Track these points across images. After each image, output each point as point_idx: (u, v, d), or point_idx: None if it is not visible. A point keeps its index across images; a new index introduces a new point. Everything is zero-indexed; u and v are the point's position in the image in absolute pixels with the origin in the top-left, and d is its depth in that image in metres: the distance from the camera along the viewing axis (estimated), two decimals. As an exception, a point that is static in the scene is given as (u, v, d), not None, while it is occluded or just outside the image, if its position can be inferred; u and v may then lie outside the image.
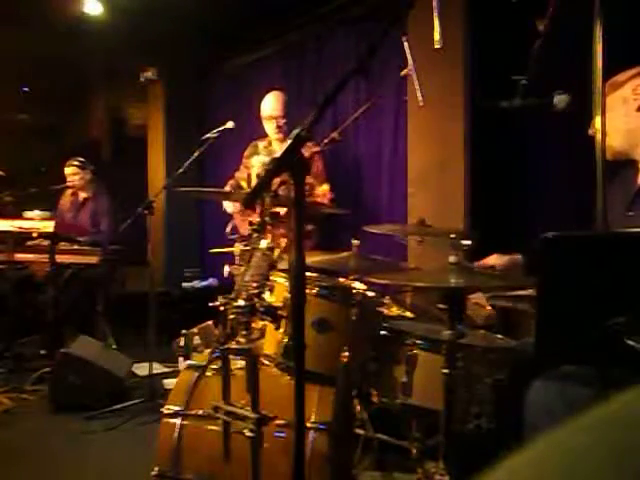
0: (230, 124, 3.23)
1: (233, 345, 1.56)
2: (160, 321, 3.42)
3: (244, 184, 3.69)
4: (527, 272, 1.84)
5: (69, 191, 4.63)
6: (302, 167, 1.10)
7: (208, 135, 3.25)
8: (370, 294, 1.92)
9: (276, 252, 2.16)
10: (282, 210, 2.52)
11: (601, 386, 1.12)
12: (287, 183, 1.62)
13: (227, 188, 3.63)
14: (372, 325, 1.83)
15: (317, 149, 2.68)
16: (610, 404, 0.27)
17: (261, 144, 3.66)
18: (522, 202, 3.09)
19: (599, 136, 1.36)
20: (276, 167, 1.11)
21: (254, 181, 3.62)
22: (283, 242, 3.35)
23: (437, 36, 1.79)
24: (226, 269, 2.77)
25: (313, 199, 3.30)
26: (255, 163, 3.61)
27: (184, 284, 5.11)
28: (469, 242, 1.48)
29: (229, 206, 3.48)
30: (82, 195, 4.61)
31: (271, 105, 3.48)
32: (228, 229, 3.62)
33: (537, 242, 1.06)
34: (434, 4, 1.73)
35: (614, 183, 1.66)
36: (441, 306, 1.47)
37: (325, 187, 3.46)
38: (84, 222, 4.53)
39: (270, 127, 3.49)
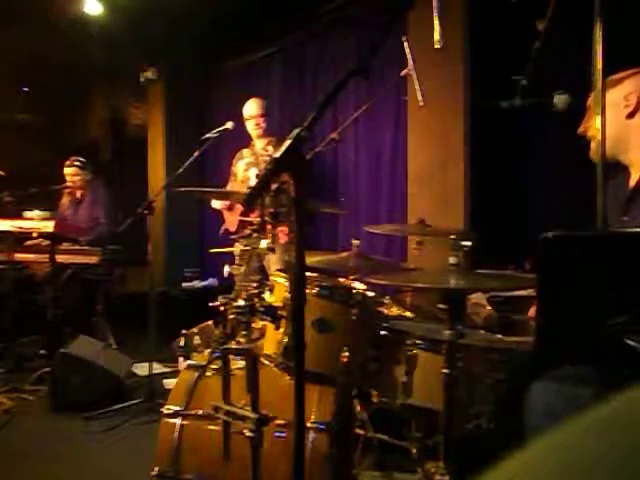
0: (230, 124, 3.25)
1: (233, 345, 1.56)
2: (160, 321, 3.42)
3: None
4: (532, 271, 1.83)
5: (68, 190, 4.63)
6: (302, 167, 1.10)
7: (208, 135, 3.26)
8: (370, 294, 1.92)
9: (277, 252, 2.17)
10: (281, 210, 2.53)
11: (601, 386, 1.12)
12: (287, 183, 1.62)
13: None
14: (372, 325, 1.83)
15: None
16: (610, 404, 0.27)
17: (244, 150, 3.87)
18: (522, 202, 3.09)
19: (599, 136, 1.36)
20: (276, 167, 1.11)
21: (238, 183, 3.79)
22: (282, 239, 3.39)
23: (437, 36, 1.79)
24: (226, 269, 2.77)
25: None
26: (240, 168, 3.83)
27: (184, 284, 5.11)
28: (469, 243, 1.48)
29: (216, 203, 3.74)
30: (79, 192, 4.61)
31: (250, 107, 3.76)
32: (221, 230, 3.73)
33: (537, 242, 1.06)
34: (434, 4, 1.73)
35: (606, 187, 1.66)
36: (441, 306, 1.47)
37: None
38: (83, 217, 4.53)
39: (250, 126, 3.75)
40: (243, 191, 3.54)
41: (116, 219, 4.44)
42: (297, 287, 1.10)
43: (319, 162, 3.79)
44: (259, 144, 3.78)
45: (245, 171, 3.76)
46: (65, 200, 4.69)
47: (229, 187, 3.88)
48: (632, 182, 1.69)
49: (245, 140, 3.93)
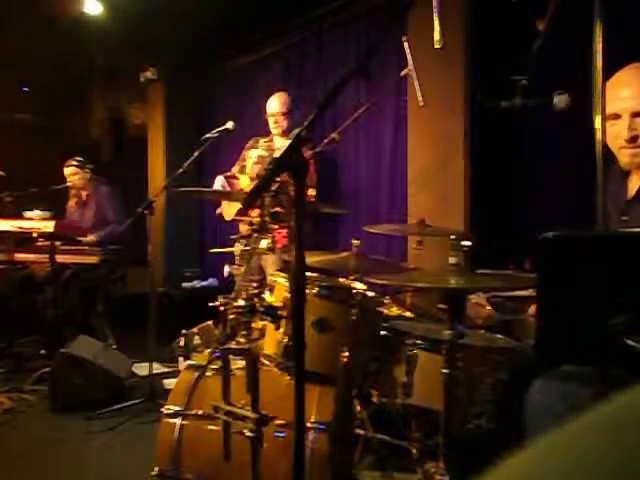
0: (230, 124, 3.25)
1: (233, 345, 1.56)
2: (160, 321, 3.42)
3: (239, 175, 3.78)
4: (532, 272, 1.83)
5: (72, 192, 4.66)
6: (302, 167, 1.10)
7: (208, 135, 3.26)
8: (370, 294, 1.92)
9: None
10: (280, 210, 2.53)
11: (601, 386, 1.12)
12: (287, 183, 1.63)
13: (219, 178, 3.68)
14: (372, 325, 1.83)
15: (310, 153, 2.71)
16: (610, 404, 0.27)
17: (262, 139, 3.81)
18: (522, 202, 3.09)
19: (599, 136, 1.36)
20: (276, 167, 1.11)
21: (248, 170, 3.76)
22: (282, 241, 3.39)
23: (437, 36, 1.78)
24: (226, 269, 2.77)
25: None
26: (252, 155, 3.78)
27: (184, 284, 5.11)
28: (469, 243, 1.48)
29: (218, 183, 3.63)
30: (84, 193, 4.63)
31: (271, 103, 3.70)
32: (218, 211, 3.75)
33: (537, 242, 1.06)
34: (434, 4, 1.73)
35: (607, 188, 1.64)
36: (441, 306, 1.47)
37: (311, 192, 3.58)
38: (89, 219, 4.54)
39: (270, 123, 3.70)
40: (241, 192, 3.54)
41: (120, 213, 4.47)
42: (297, 287, 1.10)
43: (319, 162, 3.78)
44: (278, 142, 3.72)
45: (255, 164, 3.70)
46: (71, 203, 4.72)
47: (234, 169, 3.85)
48: (633, 190, 1.68)
49: (246, 140, 3.93)
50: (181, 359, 3.43)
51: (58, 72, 5.52)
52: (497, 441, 1.56)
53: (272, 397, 1.62)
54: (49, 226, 3.86)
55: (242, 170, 3.82)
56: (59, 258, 3.94)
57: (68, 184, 4.57)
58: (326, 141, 2.56)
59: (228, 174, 3.78)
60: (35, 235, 3.92)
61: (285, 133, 3.66)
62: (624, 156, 1.64)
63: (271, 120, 3.67)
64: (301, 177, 1.10)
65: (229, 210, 3.65)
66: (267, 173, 1.12)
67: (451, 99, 3.17)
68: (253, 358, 1.50)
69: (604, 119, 1.34)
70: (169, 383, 3.28)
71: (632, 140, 1.59)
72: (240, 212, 3.33)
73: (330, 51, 4.19)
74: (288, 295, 1.79)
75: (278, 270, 2.07)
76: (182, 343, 3.45)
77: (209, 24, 4.72)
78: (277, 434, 1.71)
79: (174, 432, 1.83)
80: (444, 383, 1.47)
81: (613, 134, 1.60)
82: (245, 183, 3.73)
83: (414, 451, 1.85)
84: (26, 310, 4.18)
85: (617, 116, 1.59)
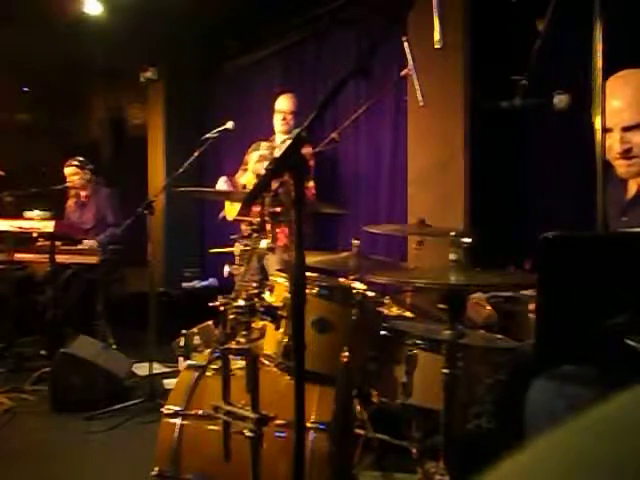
0: (230, 124, 3.25)
1: (233, 345, 1.56)
2: (160, 321, 3.42)
3: (241, 179, 3.79)
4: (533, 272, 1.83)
5: (72, 193, 4.65)
6: (302, 167, 1.10)
7: (208, 135, 3.26)
8: (370, 294, 1.92)
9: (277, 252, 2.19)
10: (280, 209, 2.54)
11: (601, 386, 1.12)
12: (286, 183, 1.63)
13: (223, 178, 3.70)
14: (372, 325, 1.83)
15: (310, 150, 2.72)
16: (610, 404, 0.27)
17: (263, 143, 3.81)
18: (522, 202, 3.08)
19: (599, 136, 1.36)
20: (276, 167, 1.11)
21: (249, 173, 3.76)
22: (283, 240, 3.40)
23: (437, 36, 1.79)
24: (226, 269, 2.78)
25: None
26: (253, 158, 3.78)
27: (184, 284, 5.11)
28: (469, 240, 1.48)
29: (221, 182, 3.66)
30: (83, 194, 4.63)
31: (283, 101, 3.75)
32: (221, 215, 3.79)
33: (537, 242, 1.06)
34: (434, 4, 1.73)
35: (606, 188, 1.64)
36: (441, 306, 1.46)
37: (310, 184, 3.59)
38: (89, 219, 4.55)
39: (277, 119, 3.73)
40: (242, 192, 3.54)
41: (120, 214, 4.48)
42: (297, 287, 1.10)
43: (319, 162, 3.78)
44: (279, 139, 3.74)
45: (257, 162, 3.71)
46: (71, 203, 4.72)
47: (238, 175, 3.86)
48: (632, 191, 1.68)
49: (246, 140, 3.93)
50: (181, 359, 3.43)
51: (58, 72, 5.52)
52: (497, 441, 1.56)
53: (272, 397, 1.62)
54: (49, 226, 3.85)
55: (244, 173, 3.82)
56: (59, 258, 3.94)
57: (68, 184, 4.57)
58: (326, 141, 2.56)
59: (232, 180, 3.79)
60: (35, 235, 3.92)
61: (289, 132, 3.68)
62: (619, 167, 1.66)
63: (279, 117, 3.68)
64: (301, 177, 1.10)
65: (231, 210, 3.66)
66: (267, 173, 1.13)
67: (451, 99, 3.17)
68: (253, 358, 1.50)
69: (604, 120, 1.35)
70: (169, 383, 3.28)
71: (625, 152, 1.62)
72: (242, 211, 3.35)
73: (330, 51, 4.19)
74: (288, 295, 1.79)
75: (278, 270, 2.07)
76: (182, 343, 3.44)
77: (209, 24, 4.72)
78: (277, 434, 1.71)
79: (174, 432, 1.83)
80: (444, 383, 1.47)
81: (607, 145, 1.61)
82: (248, 180, 3.73)
83: (414, 451, 1.84)
84: (26, 310, 4.18)
85: (609, 129, 1.60)
